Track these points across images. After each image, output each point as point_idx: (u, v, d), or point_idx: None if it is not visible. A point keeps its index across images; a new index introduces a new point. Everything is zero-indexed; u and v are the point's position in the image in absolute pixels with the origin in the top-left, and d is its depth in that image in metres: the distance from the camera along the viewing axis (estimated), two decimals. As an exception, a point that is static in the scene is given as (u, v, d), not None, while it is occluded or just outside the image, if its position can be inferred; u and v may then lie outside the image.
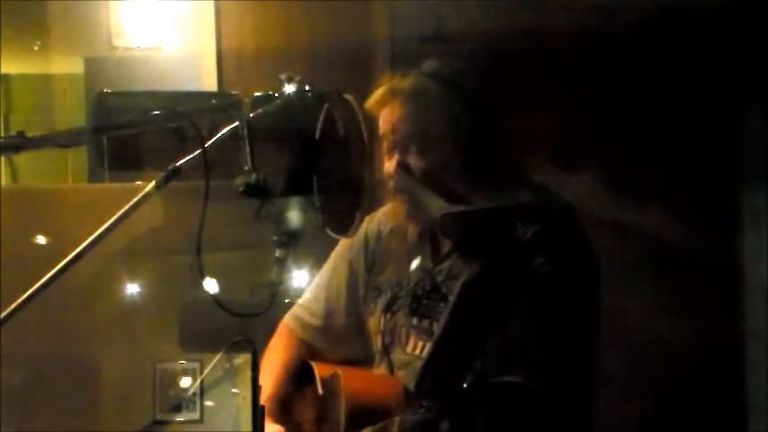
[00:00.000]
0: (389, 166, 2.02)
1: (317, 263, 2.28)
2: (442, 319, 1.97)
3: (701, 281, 2.99)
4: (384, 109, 2.03)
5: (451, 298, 1.98)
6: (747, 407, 3.03)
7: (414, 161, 1.99)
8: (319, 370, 2.10)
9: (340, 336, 2.21)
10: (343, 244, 2.21)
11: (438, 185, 1.98)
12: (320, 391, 2.06)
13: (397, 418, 1.80)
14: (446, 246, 2.07)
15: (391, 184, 2.03)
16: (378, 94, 2.03)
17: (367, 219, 2.22)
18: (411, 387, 1.95)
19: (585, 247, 1.99)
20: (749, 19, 2.93)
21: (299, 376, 2.17)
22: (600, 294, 2.00)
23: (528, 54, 2.88)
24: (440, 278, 2.04)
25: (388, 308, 2.10)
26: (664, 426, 3.01)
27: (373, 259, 2.18)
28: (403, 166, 2.00)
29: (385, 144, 2.04)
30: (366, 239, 2.19)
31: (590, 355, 1.97)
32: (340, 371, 2.01)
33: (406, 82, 2.02)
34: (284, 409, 2.16)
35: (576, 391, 1.93)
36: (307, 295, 2.26)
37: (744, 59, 2.94)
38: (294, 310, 2.27)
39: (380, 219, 2.20)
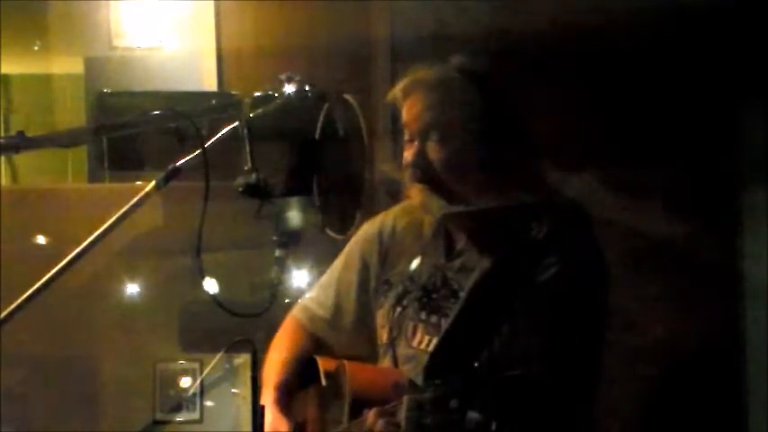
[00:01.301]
0: (408, 155, 2.02)
1: (317, 263, 2.29)
2: (453, 312, 1.98)
3: (701, 281, 2.99)
4: (407, 99, 2.03)
5: (462, 294, 1.99)
6: (747, 407, 3.03)
7: (432, 151, 1.99)
8: (323, 364, 2.10)
9: (347, 330, 2.21)
10: (358, 238, 2.22)
11: (453, 178, 1.98)
12: (324, 382, 2.06)
13: (406, 397, 1.79)
14: (459, 243, 2.07)
15: (407, 172, 2.03)
16: (401, 84, 2.03)
17: (381, 215, 2.22)
18: (416, 380, 1.95)
19: (596, 250, 2.00)
20: (749, 19, 2.93)
21: (303, 370, 2.17)
22: (607, 292, 2.00)
23: (528, 54, 2.88)
24: (451, 274, 2.04)
25: (398, 301, 2.10)
26: (663, 425, 3.01)
27: (387, 253, 2.18)
28: (420, 158, 2.00)
29: (405, 133, 2.04)
30: (380, 235, 2.20)
31: (595, 353, 1.98)
32: (345, 363, 2.01)
33: (430, 73, 2.02)
34: (287, 402, 2.16)
35: (578, 388, 1.94)
36: (317, 288, 2.26)
37: (744, 59, 2.94)
38: (304, 302, 2.27)
39: (396, 213, 2.20)
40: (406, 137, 2.03)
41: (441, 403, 1.71)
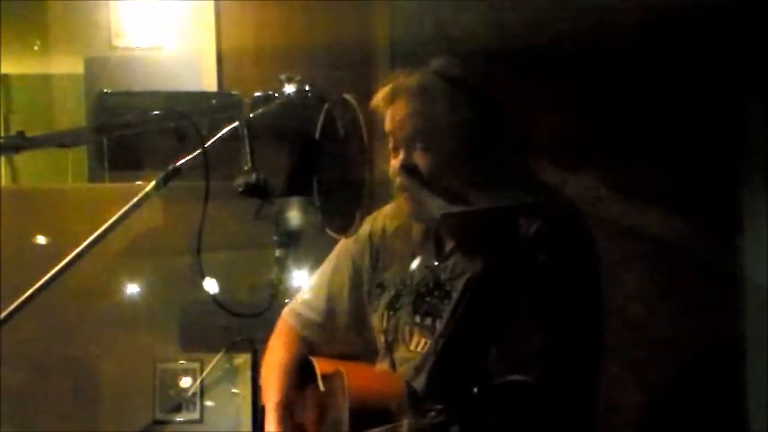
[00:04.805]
0: (395, 164, 2.02)
1: (317, 263, 2.28)
2: (446, 316, 1.97)
3: (701, 281, 2.99)
4: (390, 107, 2.03)
5: (455, 295, 1.98)
6: (747, 407, 3.03)
7: (419, 159, 1.99)
8: (320, 366, 2.09)
9: (341, 333, 2.21)
10: (347, 241, 2.21)
11: (443, 183, 1.97)
12: (322, 388, 2.06)
13: (406, 421, 1.79)
14: (450, 244, 2.07)
15: (396, 182, 2.03)
16: (383, 91, 2.03)
17: (372, 216, 2.22)
18: (412, 383, 1.95)
19: (588, 245, 1.99)
20: (749, 19, 2.93)
21: (300, 374, 2.17)
22: (602, 291, 2.00)
23: (528, 54, 2.88)
24: (444, 276, 2.04)
25: (391, 305, 2.10)
26: (664, 425, 3.01)
27: (377, 256, 2.18)
28: (407, 166, 2.00)
29: (390, 142, 2.04)
30: (371, 236, 2.19)
31: (593, 353, 1.98)
32: (342, 368, 2.00)
33: (412, 80, 2.01)
34: (286, 408, 2.16)
35: (579, 388, 1.93)
36: (307, 291, 2.25)
37: (744, 59, 2.94)
38: (294, 306, 2.26)
39: (386, 216, 2.20)
40: (392, 145, 2.03)
41: (441, 430, 1.71)
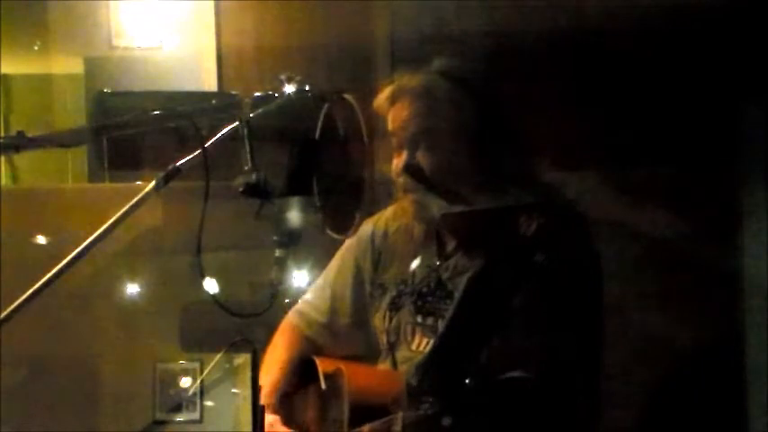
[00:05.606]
0: (398, 163, 2.02)
1: (317, 263, 2.28)
2: (447, 316, 1.98)
3: (701, 281, 2.99)
4: (393, 107, 2.03)
5: (457, 295, 1.99)
6: (747, 407, 3.03)
7: (422, 158, 2.00)
8: (322, 365, 2.10)
9: (344, 333, 2.22)
10: (350, 241, 2.22)
11: (446, 183, 1.98)
12: (323, 386, 2.06)
13: (400, 414, 1.80)
14: (451, 244, 2.08)
15: (399, 182, 2.03)
16: (386, 91, 2.04)
17: (374, 217, 2.23)
18: (412, 381, 1.95)
19: (588, 244, 2.00)
20: (749, 19, 2.93)
21: (301, 372, 2.18)
22: (602, 290, 2.00)
23: (528, 54, 2.88)
24: (445, 276, 2.05)
25: (393, 305, 2.11)
26: (664, 426, 3.01)
27: (379, 257, 2.19)
28: (410, 166, 2.00)
29: (393, 141, 2.04)
30: (373, 237, 2.20)
31: (592, 351, 1.98)
32: (343, 366, 2.01)
33: (415, 80, 2.02)
34: (286, 405, 2.17)
35: (578, 385, 1.94)
36: (312, 292, 2.27)
37: (744, 59, 2.94)
38: (299, 306, 2.27)
39: (388, 216, 2.20)
40: (395, 144, 2.03)
41: (434, 421, 1.72)
